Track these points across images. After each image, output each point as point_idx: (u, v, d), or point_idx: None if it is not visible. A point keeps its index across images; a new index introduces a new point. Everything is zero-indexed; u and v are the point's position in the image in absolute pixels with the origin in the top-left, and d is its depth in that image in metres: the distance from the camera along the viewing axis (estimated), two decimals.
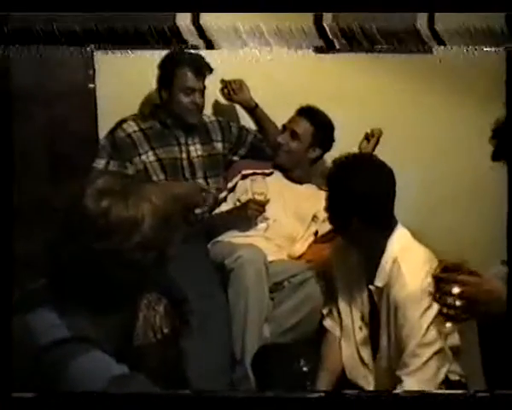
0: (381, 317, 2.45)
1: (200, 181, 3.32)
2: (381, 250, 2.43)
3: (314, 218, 3.30)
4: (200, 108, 3.29)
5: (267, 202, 3.22)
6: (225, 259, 2.91)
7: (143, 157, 3.21)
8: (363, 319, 2.58)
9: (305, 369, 2.41)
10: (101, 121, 3.39)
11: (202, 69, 3.21)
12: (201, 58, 3.21)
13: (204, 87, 3.26)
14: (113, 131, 3.23)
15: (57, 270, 1.43)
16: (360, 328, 2.59)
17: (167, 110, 3.28)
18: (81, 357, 1.33)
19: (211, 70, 3.24)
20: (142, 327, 2.71)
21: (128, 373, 1.35)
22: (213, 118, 3.48)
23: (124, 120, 3.26)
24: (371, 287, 2.47)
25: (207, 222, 3.31)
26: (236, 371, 2.82)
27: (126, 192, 1.42)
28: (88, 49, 3.16)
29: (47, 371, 1.33)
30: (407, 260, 2.38)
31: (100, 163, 3.17)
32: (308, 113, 3.35)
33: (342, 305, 2.64)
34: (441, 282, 1.83)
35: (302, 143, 3.34)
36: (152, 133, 3.26)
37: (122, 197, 1.40)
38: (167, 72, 3.22)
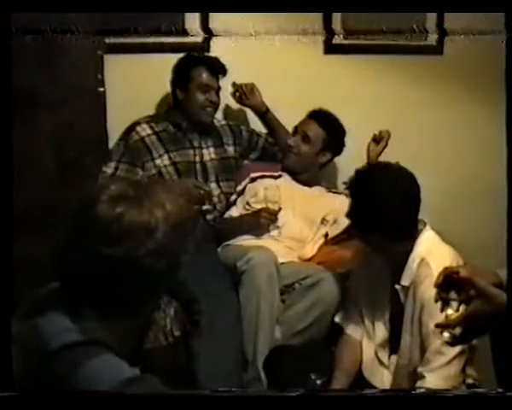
0: (405, 316, 2.46)
1: (213, 185, 3.32)
2: (407, 252, 2.45)
3: (323, 220, 3.30)
4: (216, 107, 3.31)
5: (279, 210, 3.21)
6: (236, 261, 2.90)
7: (158, 161, 3.22)
8: (385, 319, 2.58)
9: (318, 382, 2.43)
10: (111, 125, 3.39)
11: (217, 69, 3.24)
12: (216, 59, 3.25)
13: (219, 87, 3.28)
14: (126, 134, 3.24)
15: (69, 274, 1.43)
16: (381, 328, 2.59)
17: (182, 111, 3.29)
18: (92, 360, 1.33)
19: (225, 71, 3.27)
20: (152, 330, 2.71)
21: (139, 376, 1.35)
22: (224, 122, 3.49)
23: (137, 123, 3.27)
24: (397, 286, 2.49)
25: (219, 226, 3.30)
26: (248, 372, 2.81)
27: (140, 198, 1.42)
28: (98, 52, 3.20)
29: (57, 375, 1.33)
30: (435, 259, 2.38)
31: (110, 167, 3.18)
32: (320, 117, 3.34)
33: (364, 307, 2.64)
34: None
35: (313, 147, 3.34)
36: (166, 136, 3.27)
37: (136, 203, 1.40)
38: (183, 72, 3.25)
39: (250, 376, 2.80)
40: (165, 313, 2.75)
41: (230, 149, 3.44)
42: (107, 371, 1.34)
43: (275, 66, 3.53)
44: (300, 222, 3.29)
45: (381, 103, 3.69)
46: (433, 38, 3.55)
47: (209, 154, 3.34)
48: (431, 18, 3.47)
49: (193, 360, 2.72)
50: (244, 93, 3.45)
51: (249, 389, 2.75)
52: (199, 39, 3.44)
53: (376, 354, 2.60)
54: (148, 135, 3.24)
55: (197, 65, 3.22)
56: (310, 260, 3.22)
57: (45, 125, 3.17)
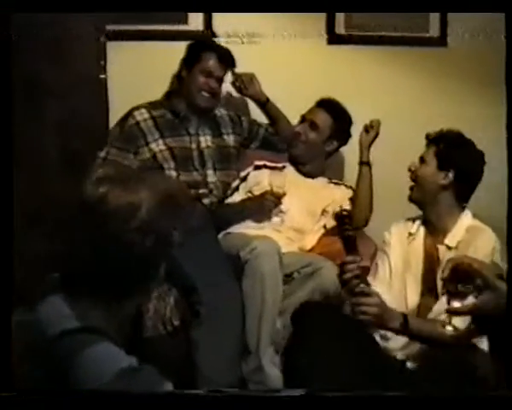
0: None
1: (209, 172, 3.31)
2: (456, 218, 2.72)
3: (324, 212, 3.30)
4: (214, 94, 3.30)
5: (284, 195, 3.21)
6: (240, 250, 2.90)
7: (152, 145, 3.21)
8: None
9: None
10: (113, 112, 3.39)
11: (226, 59, 3.26)
12: (228, 50, 3.26)
13: (222, 78, 3.29)
14: (123, 120, 3.23)
15: (66, 260, 1.43)
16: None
17: (181, 93, 3.29)
18: (91, 347, 1.33)
19: (234, 64, 3.29)
20: (151, 319, 2.71)
21: (137, 365, 1.34)
22: (224, 112, 3.48)
23: (136, 108, 3.26)
24: (440, 246, 2.68)
25: (219, 211, 3.30)
26: (249, 362, 2.82)
27: (125, 179, 1.42)
28: (101, 39, 3.20)
29: (55, 362, 1.33)
30: (483, 229, 2.66)
31: (102, 151, 3.17)
32: (328, 105, 3.34)
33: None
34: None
35: (320, 135, 3.33)
36: (163, 122, 3.26)
37: (120, 183, 1.40)
38: (193, 53, 3.26)
39: (252, 366, 2.80)
40: (164, 301, 2.75)
41: (229, 139, 3.43)
42: (105, 358, 1.33)
43: (278, 56, 3.52)
44: (302, 213, 3.28)
45: (384, 94, 3.69)
46: (436, 30, 3.54)
47: (206, 141, 3.34)
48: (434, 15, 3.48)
49: (193, 350, 2.72)
50: (243, 83, 3.45)
51: (250, 386, 2.77)
52: (201, 27, 3.46)
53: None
54: (145, 120, 3.23)
55: (209, 50, 3.24)
56: (310, 251, 3.23)
57: (48, 113, 3.17)
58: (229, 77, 3.40)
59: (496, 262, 2.41)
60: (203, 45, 3.27)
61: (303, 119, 3.37)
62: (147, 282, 1.47)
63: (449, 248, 2.68)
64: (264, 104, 3.49)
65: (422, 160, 2.81)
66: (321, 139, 3.34)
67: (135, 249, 1.39)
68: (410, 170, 2.82)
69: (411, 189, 2.81)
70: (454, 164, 2.74)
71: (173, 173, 3.19)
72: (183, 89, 3.28)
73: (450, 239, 2.69)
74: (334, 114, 3.34)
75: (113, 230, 1.37)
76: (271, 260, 2.85)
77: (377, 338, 2.63)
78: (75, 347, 1.33)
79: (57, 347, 1.33)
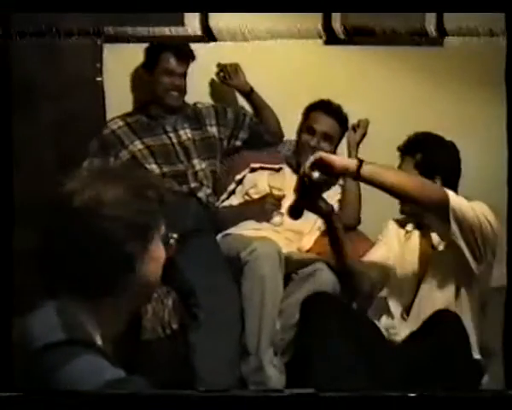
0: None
1: (196, 161, 3.35)
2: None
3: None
4: (182, 91, 3.37)
5: (284, 197, 3.21)
6: (240, 252, 2.88)
7: (130, 147, 3.28)
8: None
9: None
10: (109, 114, 3.40)
11: (184, 55, 3.32)
12: (185, 45, 3.34)
13: (185, 73, 3.34)
14: (99, 132, 3.31)
15: (50, 263, 1.42)
16: None
17: (149, 94, 3.37)
18: (75, 361, 1.29)
19: (194, 57, 3.35)
20: (150, 321, 2.71)
21: (123, 377, 1.30)
22: (208, 104, 3.54)
23: (111, 119, 3.35)
24: (433, 234, 2.69)
25: (219, 214, 3.31)
26: (250, 362, 2.80)
27: (94, 176, 1.44)
28: (97, 42, 3.20)
29: (41, 375, 1.30)
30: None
31: (84, 164, 3.21)
32: (336, 113, 3.33)
33: None
34: None
35: (331, 144, 3.33)
36: (138, 126, 3.34)
37: (102, 183, 1.41)
38: (151, 56, 3.33)
39: (252, 366, 2.79)
40: (163, 303, 2.74)
41: (213, 130, 3.47)
42: (89, 371, 1.29)
43: (275, 56, 3.52)
44: None
45: (381, 94, 3.69)
46: (433, 30, 3.54)
47: (186, 134, 3.39)
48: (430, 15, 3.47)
49: (191, 353, 2.71)
50: (228, 73, 3.49)
51: (250, 387, 2.76)
52: (198, 29, 3.46)
53: None
54: (120, 127, 3.32)
55: (166, 50, 3.29)
56: (308, 251, 3.22)
57: (44, 115, 3.17)
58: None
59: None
60: (159, 47, 3.31)
61: (312, 130, 3.32)
62: (126, 272, 1.44)
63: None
64: (249, 94, 3.54)
65: None
66: (331, 148, 3.32)
67: (107, 238, 1.37)
68: None
69: (400, 203, 2.75)
70: (438, 171, 2.67)
71: (154, 167, 3.25)
72: (149, 91, 3.36)
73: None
74: (340, 120, 3.34)
75: (84, 222, 1.36)
76: (271, 262, 2.84)
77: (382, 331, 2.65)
78: (58, 361, 1.29)
79: (42, 359, 1.30)
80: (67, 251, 1.38)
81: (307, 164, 2.29)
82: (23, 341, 1.34)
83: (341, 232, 2.58)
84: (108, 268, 1.39)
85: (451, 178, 2.70)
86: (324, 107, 3.33)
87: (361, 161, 2.26)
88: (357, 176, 2.27)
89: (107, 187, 1.39)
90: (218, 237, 3.19)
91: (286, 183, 3.29)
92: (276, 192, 3.24)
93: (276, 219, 3.21)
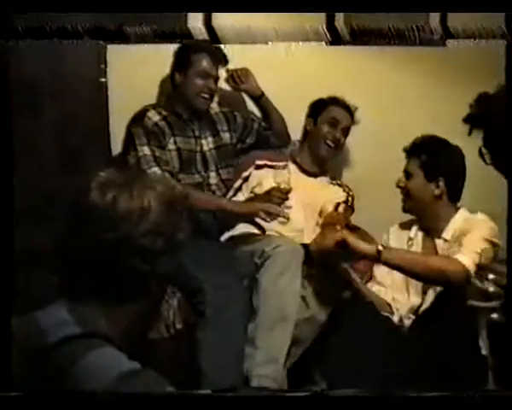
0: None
1: (212, 174, 3.32)
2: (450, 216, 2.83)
3: (321, 212, 3.32)
4: (212, 96, 3.31)
5: (290, 190, 3.21)
6: (263, 247, 2.92)
7: (169, 146, 3.21)
8: None
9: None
10: (112, 116, 3.39)
11: (218, 58, 3.25)
12: (219, 48, 3.25)
13: (218, 76, 3.28)
14: (138, 120, 3.20)
15: (67, 264, 1.43)
16: None
17: (180, 97, 3.28)
18: (90, 353, 1.32)
19: (226, 61, 3.28)
20: (155, 321, 2.71)
21: (138, 369, 1.33)
22: (218, 109, 3.50)
23: (146, 110, 3.24)
24: (438, 241, 2.81)
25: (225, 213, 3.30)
26: (256, 356, 2.82)
27: (129, 182, 1.43)
28: (101, 42, 3.20)
29: (56, 369, 1.32)
30: (478, 218, 2.76)
31: (144, 150, 3.13)
32: (349, 110, 3.40)
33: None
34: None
35: (346, 138, 3.41)
36: (172, 121, 3.25)
37: (126, 187, 1.41)
38: (184, 57, 3.24)
39: (258, 360, 2.80)
40: (168, 304, 2.75)
41: (226, 136, 3.44)
42: (105, 364, 1.32)
43: (278, 55, 3.52)
44: (301, 212, 3.30)
45: (384, 94, 3.69)
46: (437, 30, 3.53)
47: (207, 144, 3.35)
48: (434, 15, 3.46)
49: (198, 350, 2.72)
50: (239, 77, 3.46)
51: (254, 381, 2.77)
52: (201, 29, 3.44)
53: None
54: (160, 120, 3.21)
55: (199, 51, 3.21)
56: None
57: (48, 115, 3.17)
58: (223, 73, 3.41)
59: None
60: (192, 48, 3.23)
61: (334, 122, 3.37)
62: (150, 281, 1.46)
63: (445, 240, 2.79)
64: (259, 98, 3.52)
65: (408, 173, 2.82)
66: (345, 142, 3.42)
67: (142, 251, 1.39)
68: (398, 186, 2.83)
69: (403, 200, 2.82)
70: (442, 172, 2.76)
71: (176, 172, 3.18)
72: (180, 91, 3.27)
73: (447, 233, 2.79)
74: (352, 116, 3.41)
75: (123, 233, 1.37)
76: (294, 258, 2.90)
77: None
78: (76, 352, 1.32)
79: (57, 353, 1.32)
80: (89, 254, 1.39)
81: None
82: (36, 334, 1.35)
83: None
84: (132, 276, 1.40)
85: (455, 181, 2.77)
86: (339, 103, 3.40)
87: (380, 250, 2.55)
88: (377, 260, 2.58)
89: (142, 199, 1.40)
90: (226, 235, 3.23)
91: (291, 178, 3.28)
92: (282, 185, 3.23)
93: (284, 211, 3.16)
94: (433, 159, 2.80)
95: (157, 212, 1.41)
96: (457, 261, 2.51)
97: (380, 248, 2.55)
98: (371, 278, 2.96)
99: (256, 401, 1.31)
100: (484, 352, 2.54)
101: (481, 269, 2.16)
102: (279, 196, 3.18)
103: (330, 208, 3.28)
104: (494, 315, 2.34)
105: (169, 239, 1.43)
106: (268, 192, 3.23)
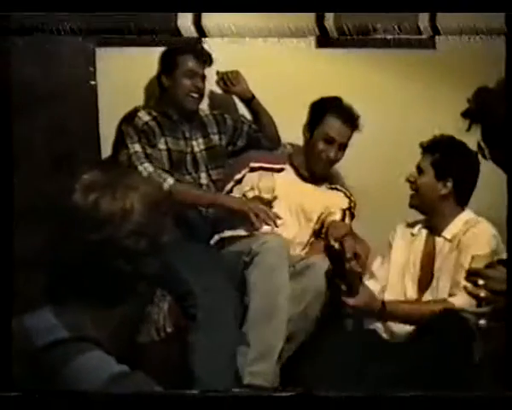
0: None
1: (203, 175, 3.33)
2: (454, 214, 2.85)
3: (318, 219, 3.29)
4: (201, 95, 3.32)
5: (274, 199, 3.19)
6: (250, 244, 2.91)
7: (159, 145, 3.22)
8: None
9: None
10: (102, 118, 3.38)
11: (203, 57, 3.26)
12: (203, 48, 3.26)
13: (204, 75, 3.29)
14: (129, 120, 3.21)
15: (53, 267, 1.42)
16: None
17: (169, 99, 3.29)
18: (79, 357, 1.31)
19: (211, 61, 3.28)
20: (145, 324, 2.70)
21: (128, 372, 1.33)
22: (208, 112, 3.50)
23: (137, 110, 3.26)
24: (438, 239, 2.83)
25: (214, 216, 3.29)
26: (249, 354, 2.81)
27: (112, 184, 1.42)
28: (90, 45, 3.19)
29: (45, 374, 1.31)
30: (480, 222, 2.80)
31: (135, 147, 3.14)
32: (351, 119, 3.25)
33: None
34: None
35: (344, 151, 3.32)
36: (162, 122, 3.26)
37: (108, 189, 1.40)
38: (169, 59, 3.26)
39: (252, 357, 2.80)
40: (158, 307, 2.74)
41: (216, 138, 3.44)
42: (94, 367, 1.32)
43: (267, 60, 3.52)
44: (294, 218, 3.28)
45: (373, 97, 3.69)
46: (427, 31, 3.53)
47: (198, 145, 3.35)
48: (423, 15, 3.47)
49: (190, 353, 2.72)
50: (230, 80, 3.46)
51: (247, 379, 2.77)
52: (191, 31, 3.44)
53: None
54: (150, 120, 3.22)
55: (184, 53, 3.23)
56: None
57: (38, 118, 3.16)
58: (213, 75, 3.41)
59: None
60: (177, 50, 3.25)
61: (330, 140, 3.25)
62: (136, 283, 1.45)
63: (446, 239, 2.82)
64: (250, 101, 3.51)
65: (420, 169, 2.85)
66: (343, 154, 3.32)
67: (126, 251, 1.38)
68: (408, 181, 2.85)
69: (411, 196, 2.85)
70: (451, 173, 2.79)
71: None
72: (169, 94, 3.28)
73: (448, 232, 2.81)
74: (353, 125, 3.26)
75: (107, 235, 1.36)
76: (281, 254, 2.89)
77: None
78: (66, 355, 1.31)
79: (47, 356, 1.32)
80: (74, 256, 1.38)
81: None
82: (24, 339, 1.34)
83: None
84: (118, 278, 1.39)
85: (464, 184, 2.79)
86: (340, 112, 3.24)
87: (383, 302, 2.68)
88: (381, 314, 2.67)
89: (125, 200, 1.39)
90: (216, 238, 3.21)
91: (278, 185, 3.29)
92: (264, 195, 3.22)
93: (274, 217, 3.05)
94: (445, 158, 2.82)
95: (140, 213, 1.39)
96: (451, 304, 2.61)
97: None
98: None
99: (244, 401, 1.30)
100: (476, 356, 2.56)
101: (473, 275, 2.15)
102: (253, 207, 3.05)
103: (337, 217, 3.25)
104: (482, 321, 2.36)
105: (153, 240, 1.42)
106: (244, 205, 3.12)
